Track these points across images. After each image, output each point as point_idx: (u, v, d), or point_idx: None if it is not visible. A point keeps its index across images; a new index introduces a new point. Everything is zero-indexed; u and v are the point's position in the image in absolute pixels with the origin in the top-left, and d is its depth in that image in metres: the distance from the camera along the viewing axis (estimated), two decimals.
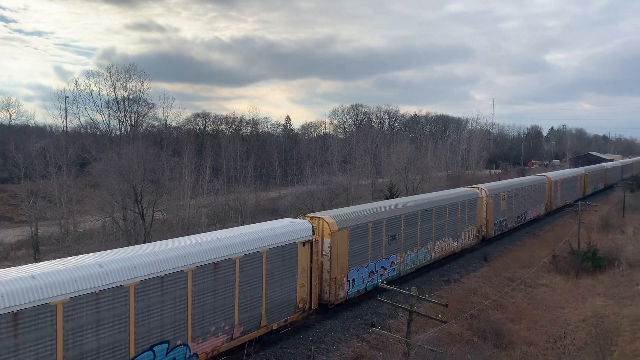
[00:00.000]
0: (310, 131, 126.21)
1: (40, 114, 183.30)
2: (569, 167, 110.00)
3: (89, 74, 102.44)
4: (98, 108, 69.72)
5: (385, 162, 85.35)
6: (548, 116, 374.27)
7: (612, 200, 74.34)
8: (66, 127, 73.01)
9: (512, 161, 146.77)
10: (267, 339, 21.45)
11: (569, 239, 42.52)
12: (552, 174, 64.60)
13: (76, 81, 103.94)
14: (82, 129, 73.84)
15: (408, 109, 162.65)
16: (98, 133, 72.51)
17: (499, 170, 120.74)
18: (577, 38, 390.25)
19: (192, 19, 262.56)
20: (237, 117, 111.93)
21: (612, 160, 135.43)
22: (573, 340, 25.91)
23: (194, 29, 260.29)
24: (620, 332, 26.28)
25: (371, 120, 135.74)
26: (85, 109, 69.69)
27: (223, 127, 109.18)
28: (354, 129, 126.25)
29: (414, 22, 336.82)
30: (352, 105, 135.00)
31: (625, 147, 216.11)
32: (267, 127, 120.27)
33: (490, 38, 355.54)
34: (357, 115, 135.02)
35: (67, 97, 68.49)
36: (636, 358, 23.25)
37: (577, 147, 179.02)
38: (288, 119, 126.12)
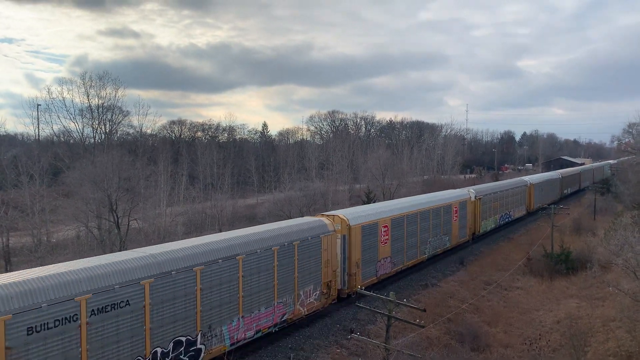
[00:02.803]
0: (287, 137, 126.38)
1: (11, 122, 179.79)
2: (541, 172, 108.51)
3: (61, 82, 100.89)
4: (71, 116, 68.61)
5: (362, 167, 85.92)
6: (521, 121, 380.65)
7: (584, 203, 76.04)
8: (38, 136, 71.80)
9: (486, 166, 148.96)
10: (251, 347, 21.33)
11: (543, 242, 43.32)
12: (365, 210, 30.51)
13: (48, 89, 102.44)
14: (55, 138, 72.60)
15: (384, 115, 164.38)
16: (71, 141, 71.35)
17: (473, 175, 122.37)
18: (547, 45, 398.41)
19: (167, 25, 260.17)
20: (213, 124, 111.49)
21: (582, 164, 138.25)
22: (548, 341, 26.39)
23: (169, 36, 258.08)
24: (593, 332, 26.86)
25: (348, 126, 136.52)
26: (58, 117, 68.45)
27: (199, 134, 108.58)
28: (330, 135, 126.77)
29: (387, 30, 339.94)
30: (328, 112, 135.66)
31: (595, 151, 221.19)
32: (244, 134, 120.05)
33: (464, 45, 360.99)
34: (334, 121, 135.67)
35: (40, 105, 67.31)
36: (609, 358, 23.80)
37: (549, 151, 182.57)
38: (265, 125, 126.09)
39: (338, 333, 24.46)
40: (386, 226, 30.50)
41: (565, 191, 79.87)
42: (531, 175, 73.42)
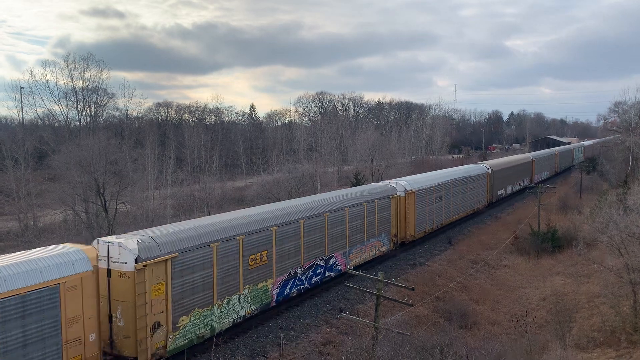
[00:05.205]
0: (275, 119, 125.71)
1: None
2: (529, 151, 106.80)
3: (44, 64, 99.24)
4: (55, 99, 67.57)
5: (350, 149, 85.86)
6: (508, 101, 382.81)
7: (570, 182, 76.82)
8: (22, 119, 70.71)
9: (474, 146, 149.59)
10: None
11: (530, 221, 43.79)
12: None
13: (31, 71, 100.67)
14: (39, 121, 71.56)
15: (372, 96, 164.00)
16: (56, 124, 70.39)
17: (461, 155, 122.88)
18: (534, 24, 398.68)
19: (151, 5, 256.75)
20: (200, 106, 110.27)
21: (569, 143, 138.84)
22: (534, 318, 26.82)
23: (154, 16, 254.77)
24: (578, 309, 27.32)
25: (336, 107, 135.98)
26: (42, 99, 67.37)
27: (186, 116, 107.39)
28: (319, 117, 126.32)
29: (375, 9, 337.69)
30: (317, 93, 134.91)
31: (581, 130, 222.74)
32: (231, 116, 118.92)
33: (452, 25, 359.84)
34: (322, 102, 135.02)
35: (23, 87, 66.14)
36: (593, 333, 24.25)
37: (537, 130, 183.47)
38: (253, 107, 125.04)
39: (328, 313, 24.65)
40: None
41: (499, 192, 55.22)
42: (417, 176, 42.39)
